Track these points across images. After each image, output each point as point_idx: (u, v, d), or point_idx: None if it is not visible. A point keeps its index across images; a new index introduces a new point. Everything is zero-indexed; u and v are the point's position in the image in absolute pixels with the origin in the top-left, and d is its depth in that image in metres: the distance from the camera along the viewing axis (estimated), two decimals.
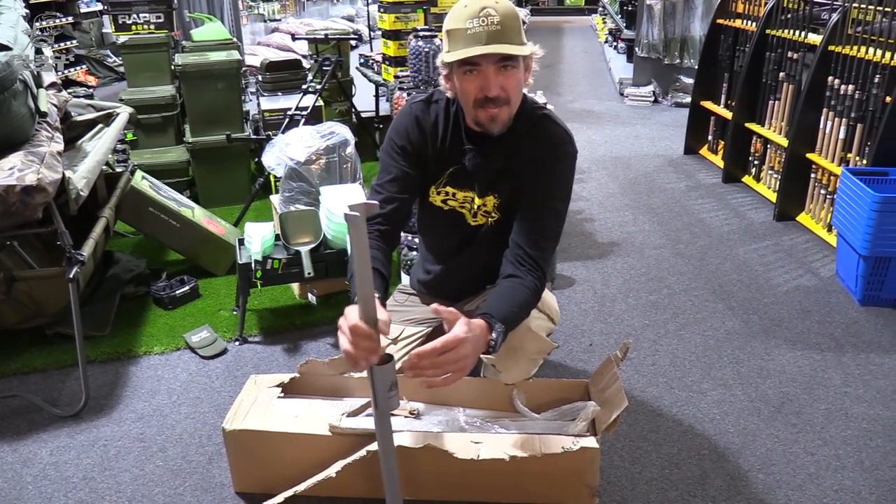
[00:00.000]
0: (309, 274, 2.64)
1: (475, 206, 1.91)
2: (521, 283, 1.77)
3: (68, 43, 7.22)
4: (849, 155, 3.47)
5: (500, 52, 1.65)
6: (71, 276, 2.38)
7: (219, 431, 2.21)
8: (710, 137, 5.06)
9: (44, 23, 6.73)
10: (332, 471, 1.72)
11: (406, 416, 1.90)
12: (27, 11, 3.02)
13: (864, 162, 3.33)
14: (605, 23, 10.74)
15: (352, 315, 1.43)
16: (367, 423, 1.84)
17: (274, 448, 1.84)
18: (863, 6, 3.42)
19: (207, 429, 2.26)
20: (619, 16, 8.56)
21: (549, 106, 3.30)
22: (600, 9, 11.71)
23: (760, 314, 2.91)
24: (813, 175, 3.77)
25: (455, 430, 1.82)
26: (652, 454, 2.11)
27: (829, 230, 3.56)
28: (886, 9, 3.25)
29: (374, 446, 1.73)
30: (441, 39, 3.40)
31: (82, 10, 7.95)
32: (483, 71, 1.68)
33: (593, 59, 9.64)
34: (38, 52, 2.97)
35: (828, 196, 3.62)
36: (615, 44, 9.21)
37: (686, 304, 3.01)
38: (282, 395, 1.98)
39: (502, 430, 1.84)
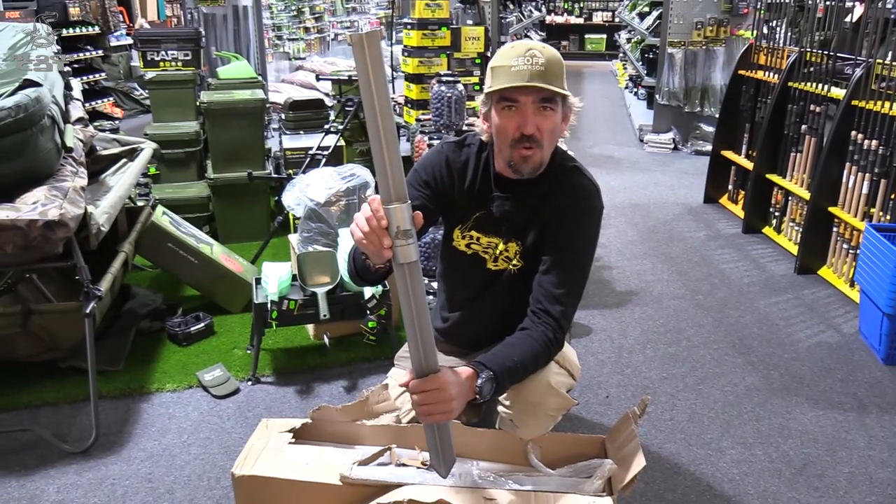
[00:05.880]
0: (325, 316, 2.62)
1: (497, 252, 1.90)
2: (529, 335, 1.75)
3: (97, 76, 7.37)
4: (872, 210, 3.43)
5: (542, 87, 1.66)
6: (88, 311, 2.38)
7: (227, 474, 2.18)
8: (730, 187, 5.04)
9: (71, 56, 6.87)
10: None
11: (418, 468, 1.86)
12: (59, 47, 3.08)
13: (888, 218, 3.29)
14: (625, 69, 10.83)
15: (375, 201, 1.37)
16: (378, 473, 1.81)
17: (283, 495, 1.80)
18: (887, 62, 3.42)
19: (216, 471, 2.23)
20: (640, 63, 8.62)
21: (569, 152, 3.31)
22: (621, 55, 11.83)
23: (781, 370, 2.86)
24: (835, 229, 3.73)
25: (468, 484, 1.77)
26: None
27: (852, 285, 3.51)
28: None
29: (384, 498, 1.70)
30: (462, 83, 3.43)
31: (112, 44, 8.13)
32: (522, 108, 1.70)
33: (613, 104, 9.69)
34: (68, 86, 3.01)
35: (850, 251, 3.58)
36: (635, 90, 9.27)
37: (705, 357, 2.96)
38: (293, 440, 1.95)
39: (516, 485, 1.79)
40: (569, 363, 1.91)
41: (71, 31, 6.88)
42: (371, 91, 1.27)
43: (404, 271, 1.38)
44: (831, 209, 3.71)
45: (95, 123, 4.45)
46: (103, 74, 7.63)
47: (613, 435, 1.90)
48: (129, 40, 8.42)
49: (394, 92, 6.00)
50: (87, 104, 6.19)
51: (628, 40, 10.44)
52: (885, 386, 2.75)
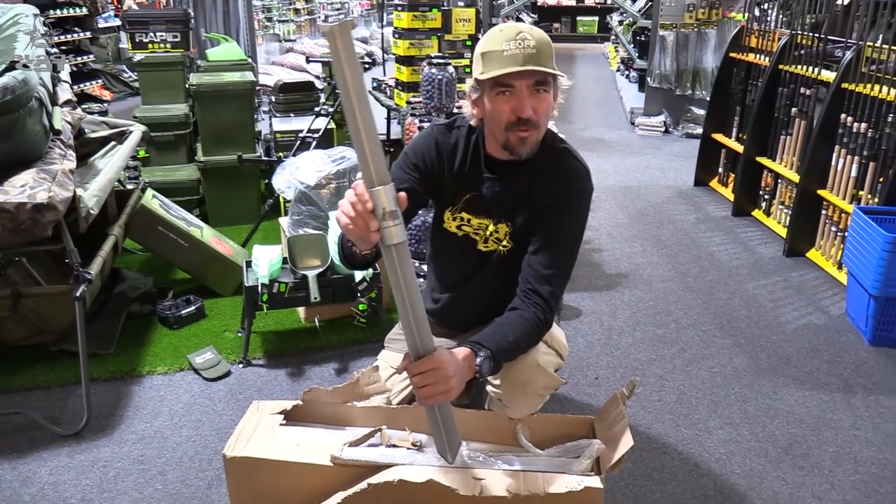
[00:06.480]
0: (315, 299, 2.63)
1: (487, 233, 1.91)
2: (521, 314, 1.76)
3: (85, 58, 7.30)
4: (860, 193, 3.45)
5: (540, 70, 1.65)
6: (78, 294, 2.38)
7: (219, 456, 2.19)
8: (720, 170, 5.05)
9: (59, 37, 6.80)
10: (331, 502, 1.70)
11: (408, 448, 1.87)
12: (45, 28, 3.05)
13: (876, 201, 3.31)
14: (617, 51, 10.81)
15: (360, 185, 1.37)
16: (368, 454, 1.82)
17: (274, 476, 1.82)
18: (877, 45, 3.43)
19: (208, 453, 2.24)
20: (632, 45, 8.60)
21: (560, 135, 3.31)
22: (613, 37, 11.79)
23: (768, 352, 2.89)
24: (824, 212, 3.75)
25: (458, 465, 1.79)
26: (656, 493, 2.08)
27: (840, 268, 3.54)
28: None
29: (375, 479, 1.71)
30: (453, 65, 3.42)
31: (100, 26, 8.04)
32: (517, 93, 1.69)
33: (605, 87, 9.68)
34: (55, 68, 2.99)
35: (838, 233, 3.60)
36: (627, 73, 9.25)
37: (693, 339, 2.99)
38: (284, 422, 1.96)
39: (505, 465, 1.81)
40: (557, 343, 1.92)
41: (58, 12, 6.81)
42: (346, 80, 1.29)
43: (392, 253, 1.38)
44: (820, 192, 3.73)
45: (84, 106, 4.42)
46: (91, 56, 7.55)
47: (602, 415, 1.92)
48: (118, 22, 8.34)
49: (384, 74, 5.97)
50: (75, 86, 6.14)
51: (620, 23, 10.41)
52: (871, 367, 2.78)
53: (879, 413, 2.48)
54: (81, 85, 6.85)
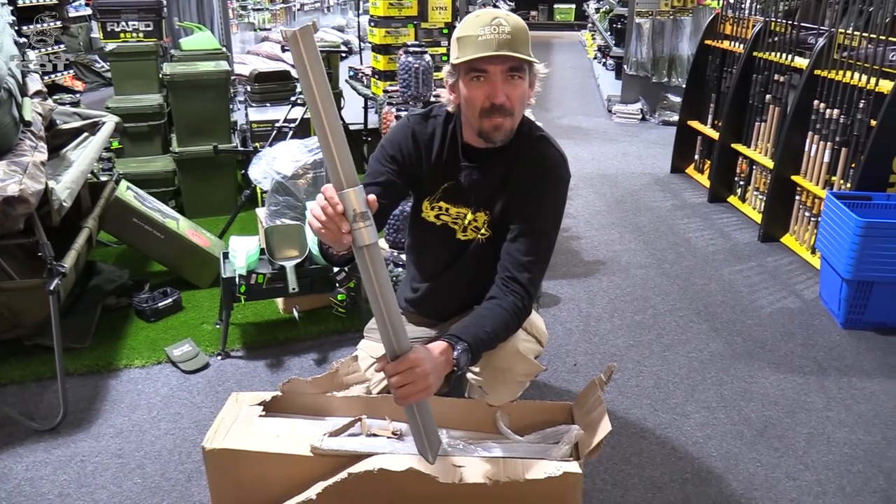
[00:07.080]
0: (294, 289, 2.62)
1: (466, 222, 1.91)
2: (499, 304, 1.77)
3: (57, 48, 7.17)
4: (833, 178, 3.50)
5: (511, 56, 1.66)
6: (51, 288, 2.35)
7: (199, 448, 2.18)
8: (696, 157, 5.09)
9: (41, 26, 6.68)
10: (312, 493, 1.70)
11: (389, 437, 1.88)
12: (14, 18, 2.99)
13: (849, 186, 3.36)
14: (594, 39, 10.83)
15: (329, 189, 1.37)
16: (348, 443, 1.83)
17: (254, 468, 1.81)
18: (849, 32, 3.46)
19: (187, 445, 2.23)
20: (609, 33, 8.62)
21: (537, 123, 3.31)
22: (590, 25, 11.81)
23: (744, 336, 2.92)
24: (798, 197, 3.80)
25: (438, 453, 1.80)
26: (635, 478, 2.10)
27: (813, 252, 3.59)
28: (872, 35, 3.29)
29: (355, 468, 1.72)
30: (430, 54, 3.40)
31: (71, 15, 7.90)
32: (491, 79, 1.70)
33: (582, 75, 9.70)
34: (23, 58, 2.93)
35: (812, 218, 3.65)
36: (604, 60, 9.27)
37: (671, 324, 3.02)
38: (263, 413, 1.95)
39: (485, 452, 1.82)
40: (536, 330, 1.93)
41: (28, 0, 6.67)
42: (311, 84, 1.28)
43: (364, 254, 1.39)
44: (794, 178, 3.77)
45: (55, 97, 4.35)
46: (63, 46, 7.42)
47: (580, 401, 1.94)
48: (89, 11, 8.20)
49: (361, 63, 5.93)
50: (46, 77, 6.04)
51: (597, 10, 10.42)
52: (844, 349, 2.83)
53: (851, 395, 2.52)
54: (52, 75, 6.73)
